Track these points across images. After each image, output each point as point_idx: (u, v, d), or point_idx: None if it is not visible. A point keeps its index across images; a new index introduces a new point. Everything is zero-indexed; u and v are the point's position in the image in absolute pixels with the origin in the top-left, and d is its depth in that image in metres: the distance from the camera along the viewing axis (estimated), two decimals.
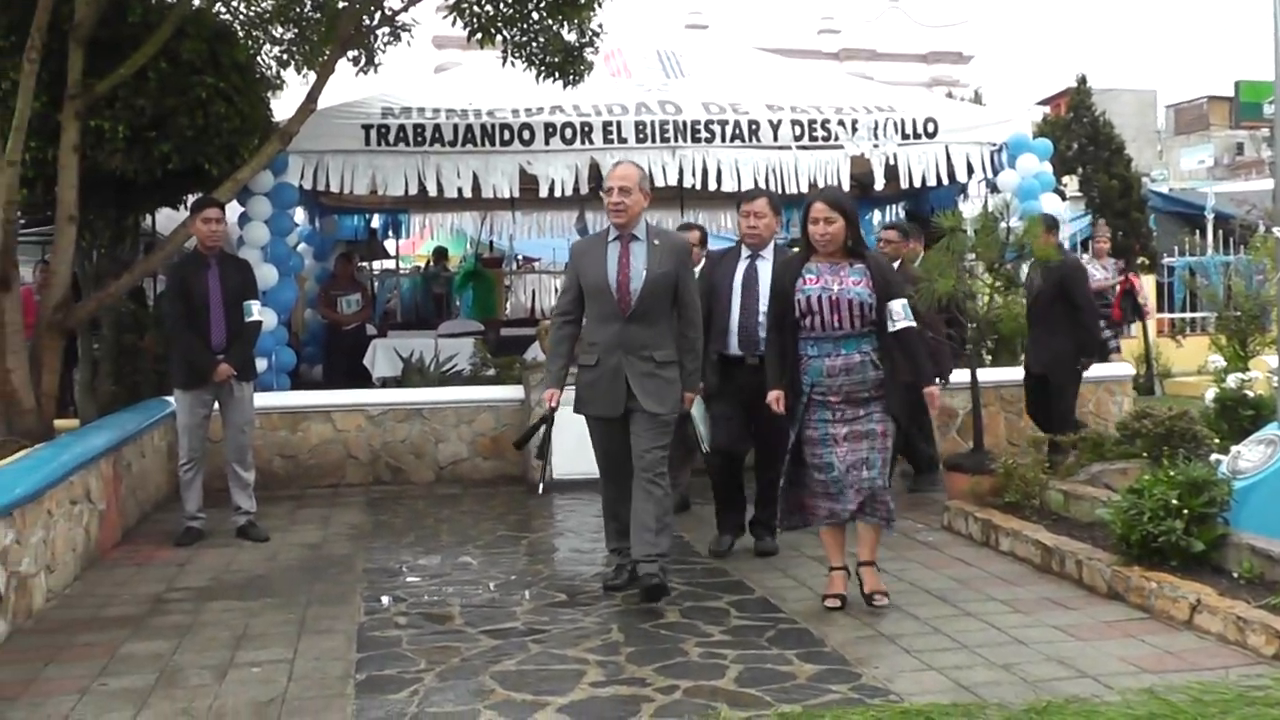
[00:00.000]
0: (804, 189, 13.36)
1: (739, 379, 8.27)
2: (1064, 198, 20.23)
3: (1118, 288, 18.68)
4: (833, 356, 6.97)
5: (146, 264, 11.81)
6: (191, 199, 11.81)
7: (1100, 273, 18.02)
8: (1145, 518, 6.94)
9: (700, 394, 7.98)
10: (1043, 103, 44.07)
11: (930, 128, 14.14)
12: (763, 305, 8.00)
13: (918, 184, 14.31)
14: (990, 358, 12.56)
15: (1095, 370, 11.45)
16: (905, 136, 14.06)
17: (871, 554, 7.11)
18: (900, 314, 6.94)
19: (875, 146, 13.91)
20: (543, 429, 7.65)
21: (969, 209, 13.90)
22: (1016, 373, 11.70)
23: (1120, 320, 18.64)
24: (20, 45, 9.80)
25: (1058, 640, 6.31)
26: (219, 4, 12.59)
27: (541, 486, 9.81)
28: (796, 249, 8.63)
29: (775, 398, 7.22)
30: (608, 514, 7.85)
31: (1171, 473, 7.19)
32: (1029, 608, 6.95)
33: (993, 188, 14.19)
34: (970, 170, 14.38)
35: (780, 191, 13.37)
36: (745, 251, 8.50)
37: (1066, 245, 14.84)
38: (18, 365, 9.56)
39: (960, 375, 10.41)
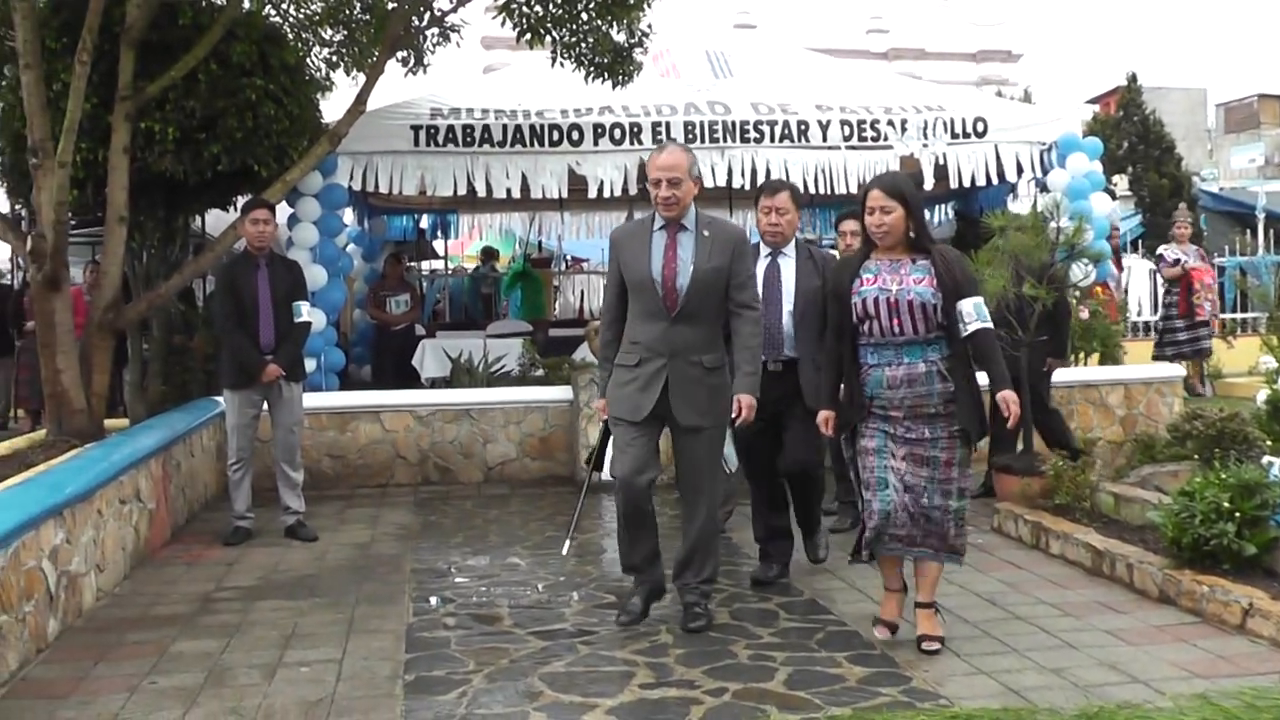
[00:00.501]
0: (853, 189, 13.30)
1: (763, 388, 7.10)
2: (1114, 197, 20.11)
3: (1196, 277, 17.81)
4: (894, 365, 6.21)
5: (196, 265, 11.85)
6: (241, 200, 11.87)
7: (1181, 257, 17.78)
8: (1197, 521, 6.85)
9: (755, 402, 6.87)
10: (1092, 101, 43.83)
11: (980, 127, 14.07)
12: (786, 306, 7.61)
13: (967, 184, 14.25)
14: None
15: (1146, 370, 11.35)
16: (955, 136, 14.00)
17: (929, 593, 6.35)
18: (972, 315, 6.13)
19: (925, 146, 13.85)
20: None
21: (1019, 209, 13.81)
22: (1065, 374, 11.61)
23: (1192, 315, 17.79)
24: (72, 48, 9.87)
25: (1109, 644, 6.25)
26: (269, 6, 12.64)
27: (567, 545, 7.74)
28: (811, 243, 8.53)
29: (825, 419, 6.56)
30: (623, 533, 6.95)
31: (1223, 475, 7.11)
32: (1079, 611, 6.88)
33: (1043, 187, 14.09)
34: (1020, 170, 14.31)
35: (830, 192, 13.37)
36: (765, 249, 7.80)
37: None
38: (68, 365, 9.61)
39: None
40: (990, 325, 6.25)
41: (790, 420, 7.50)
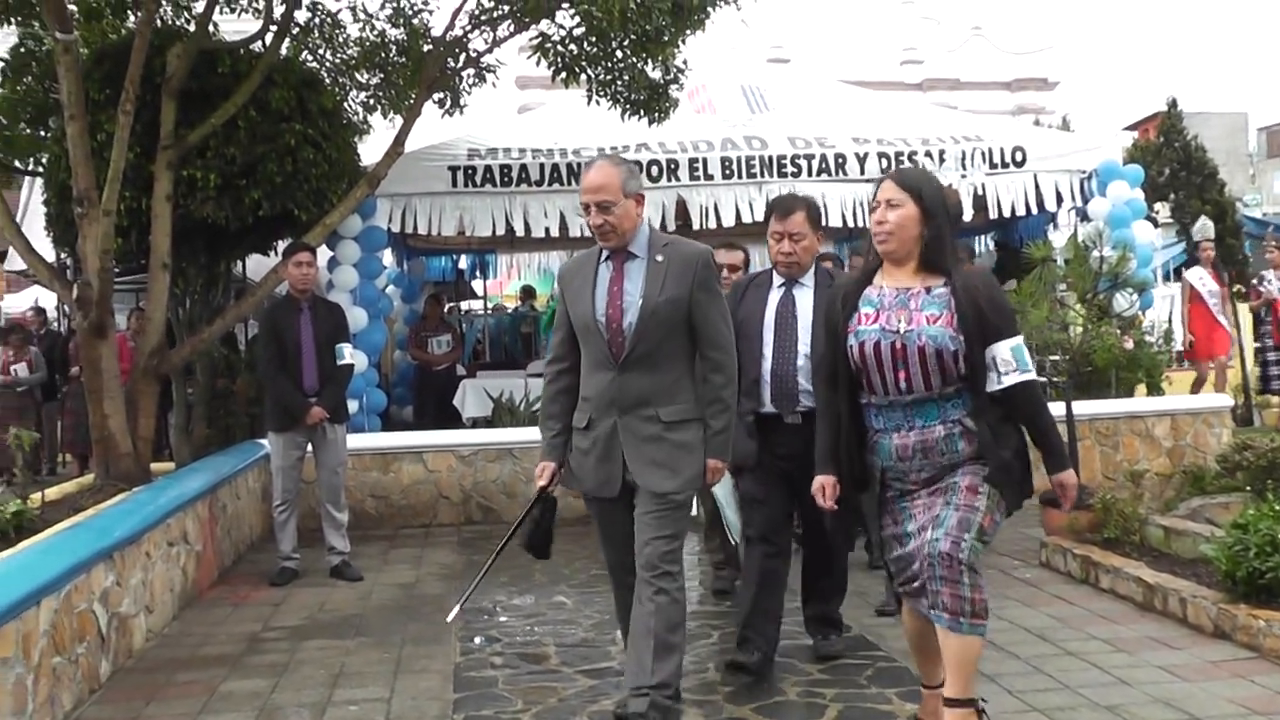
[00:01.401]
0: None
1: (776, 444, 6.44)
2: (1156, 225, 20.00)
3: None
4: (903, 431, 4.92)
5: (238, 310, 11.94)
6: (281, 245, 11.97)
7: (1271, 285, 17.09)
8: (1251, 553, 6.72)
9: (726, 466, 5.91)
10: (1130, 127, 43.67)
11: (1018, 156, 14.06)
12: (803, 347, 6.40)
13: (1006, 214, 14.22)
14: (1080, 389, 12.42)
15: (1193, 401, 11.24)
16: (993, 166, 14.00)
17: (959, 683, 4.86)
18: (1010, 364, 4.80)
19: (963, 177, 13.84)
20: (535, 513, 6.10)
21: (1059, 238, 13.77)
22: (1110, 405, 11.56)
23: None
24: (115, 99, 10.00)
25: (1163, 681, 6.15)
26: (306, 52, 12.78)
27: (455, 613, 6.12)
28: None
29: (821, 486, 5.24)
30: (621, 620, 6.01)
31: (1277, 506, 7.02)
32: (1132, 647, 6.78)
33: (1083, 216, 14.05)
34: (1060, 199, 14.28)
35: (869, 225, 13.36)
36: (778, 279, 6.67)
37: (1158, 274, 14.49)
38: (114, 410, 9.69)
39: (1052, 409, 10.25)
40: (1034, 375, 4.90)
41: (809, 484, 5.57)
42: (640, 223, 5.71)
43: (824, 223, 7.50)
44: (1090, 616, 7.50)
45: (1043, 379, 9.01)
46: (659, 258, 5.62)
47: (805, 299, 6.55)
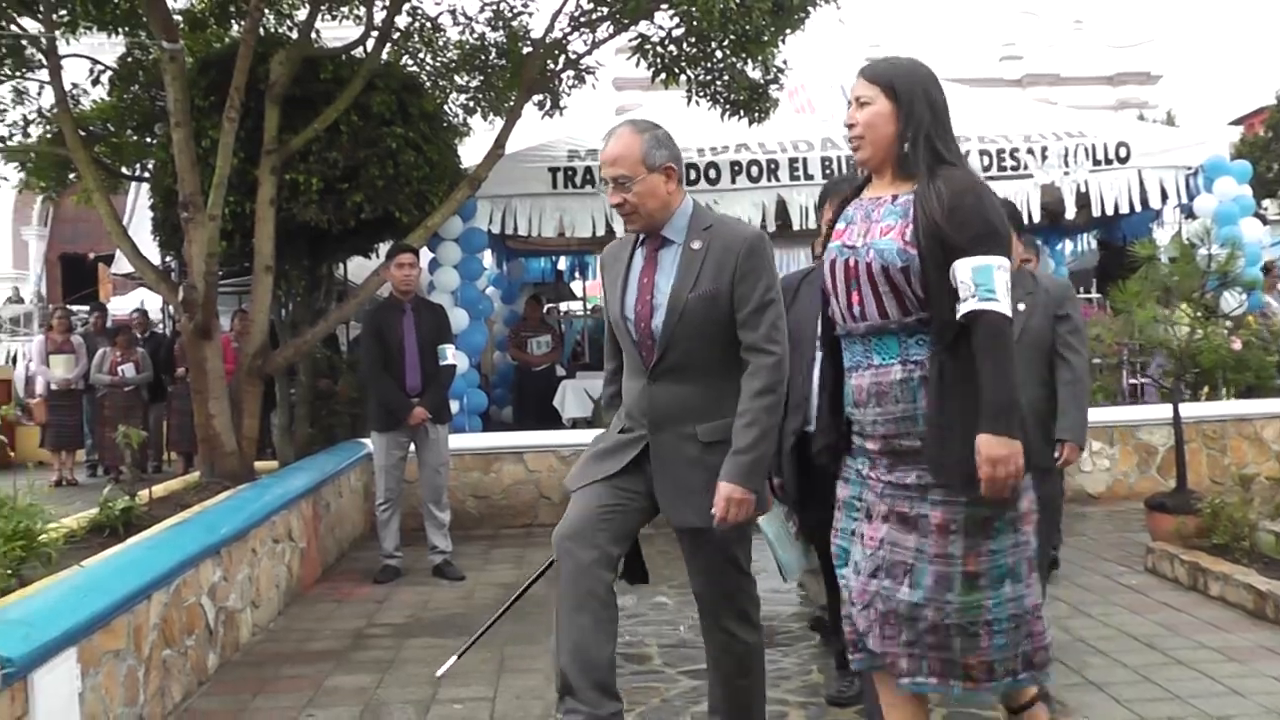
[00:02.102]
0: None
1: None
2: (1265, 222, 19.67)
3: None
4: (861, 370, 4.11)
5: (340, 312, 12.09)
6: (383, 247, 12.09)
7: None
8: None
9: (775, 494, 5.50)
10: (1236, 122, 42.95)
11: (1122, 153, 13.89)
12: None
13: (1110, 212, 14.04)
14: (1189, 391, 12.24)
15: None
16: (1096, 163, 13.83)
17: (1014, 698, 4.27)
18: (968, 287, 3.80)
19: (1066, 174, 13.70)
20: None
21: (1164, 236, 13.59)
22: (1218, 407, 11.38)
23: None
24: (219, 106, 10.15)
25: (1277, 691, 6.00)
26: (406, 56, 12.91)
27: (448, 665, 5.63)
28: None
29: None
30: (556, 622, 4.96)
31: None
32: (1244, 656, 6.63)
33: (1189, 213, 13.84)
34: (1165, 196, 14.07)
35: None
36: None
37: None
38: (219, 410, 9.85)
39: (1158, 411, 10.10)
40: (997, 306, 3.79)
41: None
42: (677, 201, 4.80)
43: None
44: (1199, 624, 7.34)
45: (1152, 381, 8.54)
46: (695, 244, 4.73)
47: None
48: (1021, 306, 5.74)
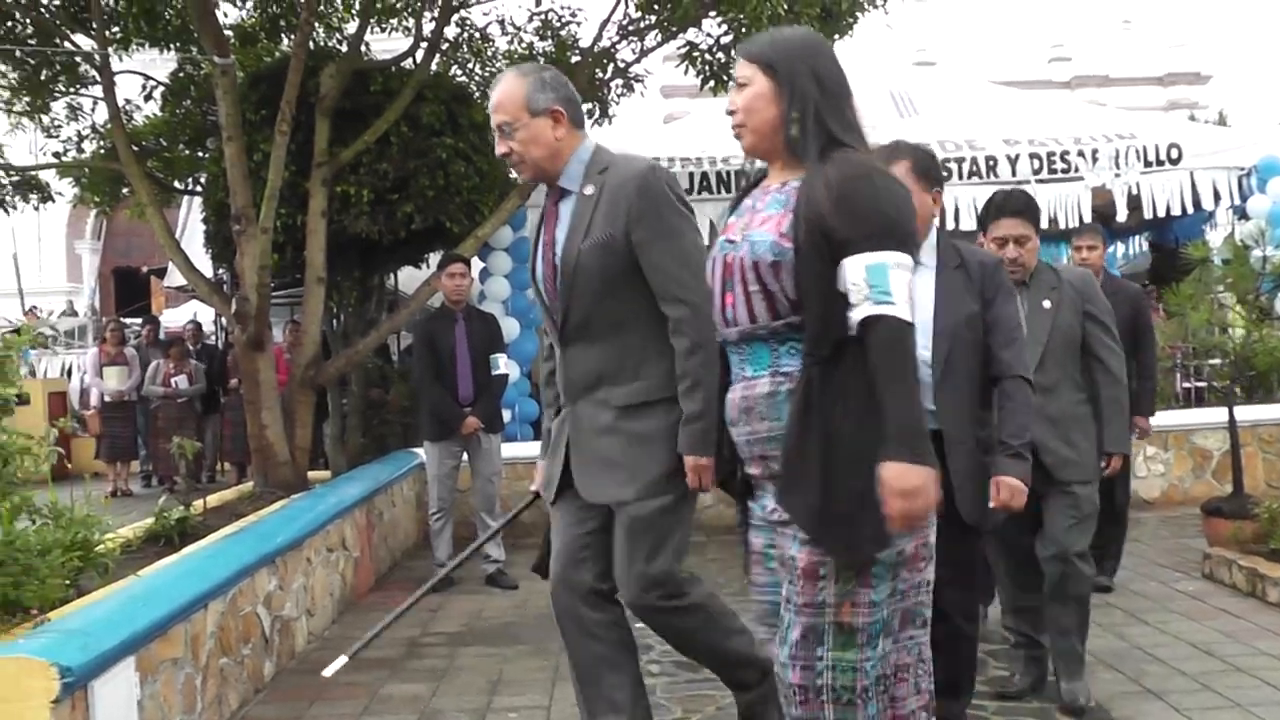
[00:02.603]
0: (1043, 225, 13.13)
1: None
2: None
3: None
4: (735, 384, 3.58)
5: (392, 322, 12.14)
6: (434, 257, 12.14)
7: None
8: None
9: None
10: None
11: (1174, 154, 13.77)
12: (923, 351, 4.56)
13: (1161, 214, 13.93)
14: (1243, 394, 12.12)
15: None
16: (1147, 164, 13.72)
17: None
18: (862, 290, 3.22)
19: (1117, 176, 13.60)
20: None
21: (1217, 238, 13.48)
22: (1275, 410, 11.27)
23: None
24: (270, 120, 10.23)
25: None
26: (455, 67, 12.96)
27: (337, 665, 4.97)
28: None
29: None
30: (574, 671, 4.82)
31: None
32: None
33: (1242, 215, 13.72)
34: (1217, 197, 13.94)
35: None
36: None
37: None
38: (272, 420, 9.91)
39: (1213, 415, 9.96)
40: (894, 310, 3.19)
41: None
42: (570, 147, 4.38)
43: (975, 226, 7.07)
44: (1258, 631, 7.23)
45: (1202, 383, 8.21)
46: (589, 189, 4.32)
47: (926, 282, 4.80)
48: (1047, 304, 5.75)
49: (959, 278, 4.90)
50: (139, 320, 21.65)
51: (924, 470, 3.14)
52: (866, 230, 3.22)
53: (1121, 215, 13.85)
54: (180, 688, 5.53)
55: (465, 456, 9.59)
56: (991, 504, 4.81)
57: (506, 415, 11.33)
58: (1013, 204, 5.79)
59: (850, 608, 3.25)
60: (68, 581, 5.46)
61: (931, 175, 5.01)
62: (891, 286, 3.18)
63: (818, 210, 3.27)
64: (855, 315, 3.20)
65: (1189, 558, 9.24)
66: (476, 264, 12.52)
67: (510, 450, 11.18)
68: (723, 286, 3.53)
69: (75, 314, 29.32)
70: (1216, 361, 9.98)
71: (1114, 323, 5.97)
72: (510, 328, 12.50)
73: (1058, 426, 5.66)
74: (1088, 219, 13.02)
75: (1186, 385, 14.59)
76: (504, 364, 9.65)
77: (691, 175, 13.13)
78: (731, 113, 3.56)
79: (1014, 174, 13.33)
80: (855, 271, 3.20)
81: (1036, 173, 13.43)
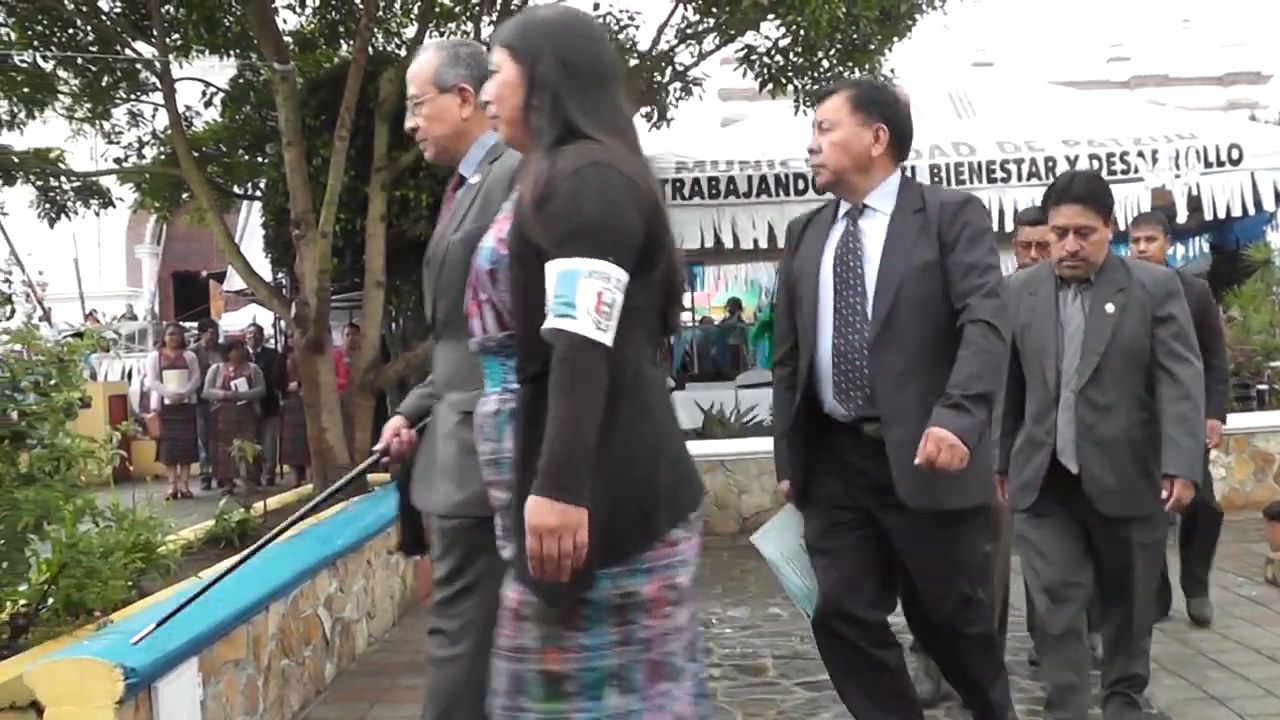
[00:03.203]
0: None
1: (848, 463, 4.42)
2: None
3: None
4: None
5: None
6: None
7: None
8: None
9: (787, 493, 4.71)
10: None
11: (1234, 154, 13.61)
12: (869, 304, 4.32)
13: (1222, 215, 13.78)
14: None
15: None
16: (1208, 165, 13.56)
17: None
18: (550, 297, 2.84)
19: (1177, 177, 13.46)
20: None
21: (1278, 239, 13.34)
22: None
23: None
24: (330, 125, 10.30)
25: None
26: None
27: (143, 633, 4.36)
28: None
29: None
30: None
31: None
32: None
33: None
34: (1278, 198, 13.79)
35: None
36: (842, 207, 4.57)
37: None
38: (332, 423, 9.96)
39: (1275, 417, 9.83)
40: (573, 325, 2.80)
41: (899, 530, 4.35)
42: (478, 130, 3.96)
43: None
44: None
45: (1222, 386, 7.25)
46: (475, 178, 3.93)
47: (876, 233, 4.42)
48: (1110, 308, 4.96)
49: (914, 222, 4.37)
50: (195, 324, 21.81)
51: (566, 509, 2.74)
52: (562, 233, 2.87)
53: (1181, 216, 13.70)
54: (242, 688, 5.55)
55: None
56: (917, 460, 4.00)
57: None
58: (1075, 189, 5.05)
59: (557, 653, 2.91)
60: (130, 583, 5.50)
61: (873, 109, 4.45)
62: (577, 298, 2.80)
63: (521, 212, 3.00)
64: (546, 324, 2.84)
65: (1251, 563, 9.11)
66: None
67: None
68: (472, 295, 3.36)
69: (135, 318, 29.54)
70: (1278, 364, 9.86)
71: (1191, 328, 5.06)
72: None
73: (1108, 452, 4.91)
74: None
75: (1248, 388, 14.45)
76: None
77: (750, 178, 13.08)
78: (487, 103, 3.26)
79: None
80: (549, 279, 2.85)
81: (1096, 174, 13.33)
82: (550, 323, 2.81)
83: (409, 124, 4.12)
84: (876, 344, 4.26)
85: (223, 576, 4.58)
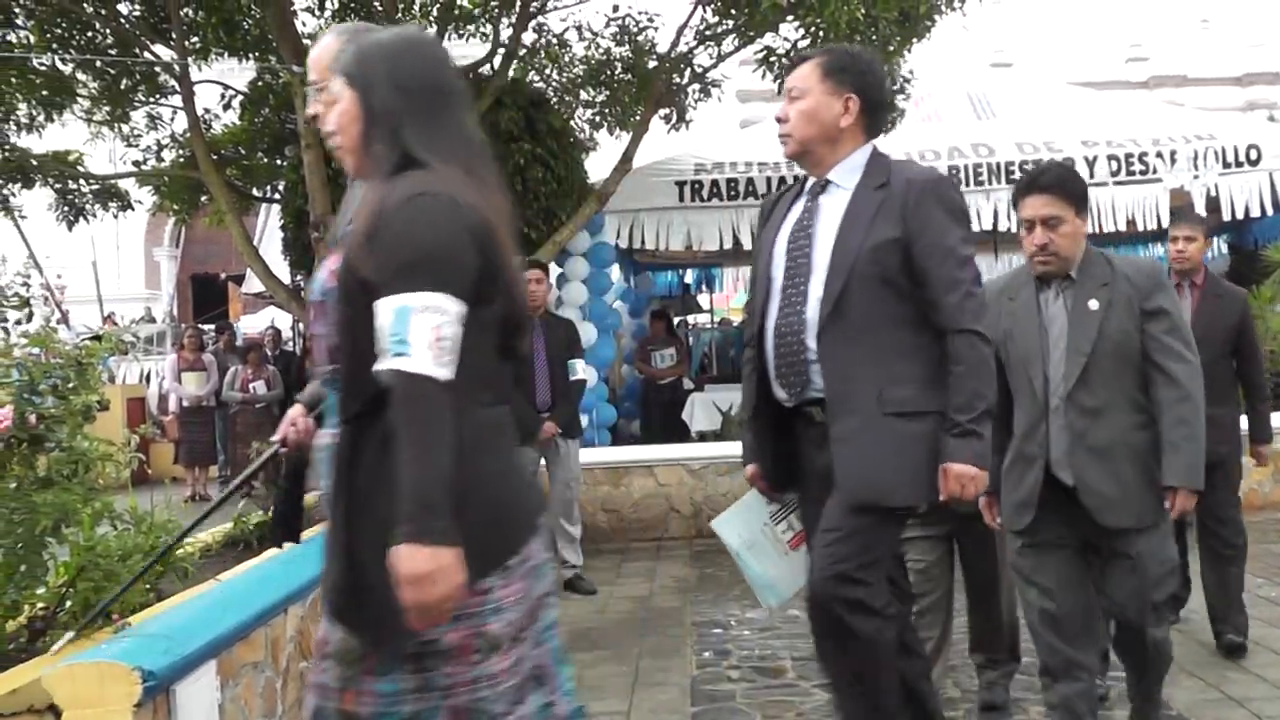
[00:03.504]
0: (1120, 227, 13.07)
1: (800, 449, 4.37)
2: None
3: None
4: None
5: None
6: None
7: None
8: None
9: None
10: None
11: (1253, 155, 13.60)
12: (815, 287, 4.13)
13: (1240, 215, 13.75)
14: None
15: None
16: (1226, 165, 13.55)
17: None
18: (383, 340, 2.69)
19: (1195, 178, 13.43)
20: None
21: None
22: None
23: None
24: None
25: None
26: (533, 73, 12.99)
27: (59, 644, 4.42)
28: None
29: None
30: None
31: None
32: None
33: None
34: None
35: (1098, 230, 13.05)
36: (811, 181, 4.41)
37: None
38: None
39: None
40: (409, 364, 2.63)
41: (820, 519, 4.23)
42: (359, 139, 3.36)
43: None
44: None
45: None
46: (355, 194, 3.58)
47: (834, 208, 4.23)
48: (1094, 305, 4.66)
49: (876, 198, 4.13)
50: (212, 326, 21.87)
51: (437, 551, 2.60)
52: (393, 268, 2.71)
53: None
54: (261, 691, 5.53)
55: (543, 462, 9.57)
56: (941, 497, 4.02)
57: (584, 420, 11.31)
58: (1042, 178, 4.78)
59: (354, 695, 2.84)
60: (148, 586, 5.48)
61: (844, 77, 4.24)
62: (411, 334, 2.64)
63: (351, 246, 2.83)
64: (377, 369, 2.69)
65: (1270, 563, 9.08)
66: (554, 269, 12.54)
67: (588, 455, 11.17)
68: (313, 324, 3.21)
69: (153, 320, 29.62)
70: None
71: (1185, 323, 4.76)
72: (588, 333, 12.50)
73: (1104, 460, 4.61)
74: (1165, 221, 12.86)
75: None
76: (581, 369, 9.62)
77: (769, 180, 13.09)
78: (331, 133, 3.11)
79: (1092, 175, 13.20)
80: (381, 317, 2.70)
81: (1115, 174, 13.31)
82: (386, 363, 2.66)
83: (309, 111, 3.89)
84: (826, 327, 4.08)
85: (151, 564, 4.61)
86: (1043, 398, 4.69)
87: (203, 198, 14.34)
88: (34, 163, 12.79)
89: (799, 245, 4.21)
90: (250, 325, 24.14)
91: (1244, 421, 6.89)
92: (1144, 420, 4.64)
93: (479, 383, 2.84)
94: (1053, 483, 4.66)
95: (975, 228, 12.33)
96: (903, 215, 4.03)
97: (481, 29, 12.65)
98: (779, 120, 4.38)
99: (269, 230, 16.37)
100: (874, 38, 10.97)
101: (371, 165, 2.95)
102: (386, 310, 2.67)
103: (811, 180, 4.35)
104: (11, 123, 12.76)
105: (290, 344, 19.63)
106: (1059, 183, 4.73)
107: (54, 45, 11.94)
